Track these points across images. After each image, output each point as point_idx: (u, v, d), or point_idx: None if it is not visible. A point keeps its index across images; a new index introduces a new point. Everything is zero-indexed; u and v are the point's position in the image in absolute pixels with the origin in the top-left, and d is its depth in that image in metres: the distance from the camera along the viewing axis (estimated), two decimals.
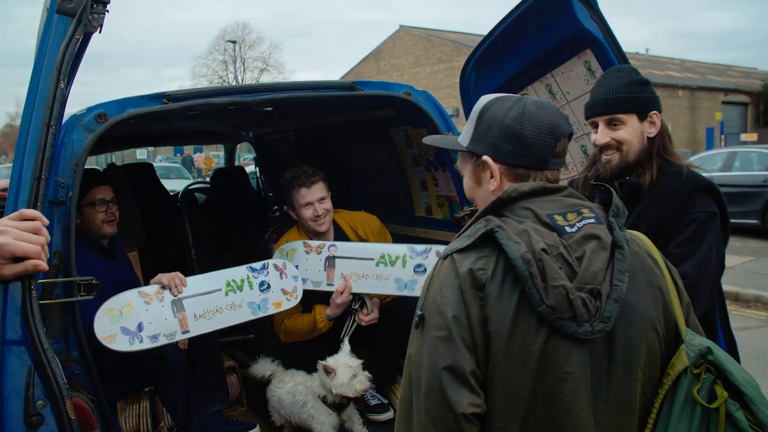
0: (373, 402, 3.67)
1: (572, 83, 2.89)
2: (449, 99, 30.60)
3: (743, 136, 27.43)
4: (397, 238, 4.03)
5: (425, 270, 3.30)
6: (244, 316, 3.18)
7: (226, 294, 3.13)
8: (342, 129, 4.75)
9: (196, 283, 3.07)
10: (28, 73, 1.89)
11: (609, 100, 2.34)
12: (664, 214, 2.27)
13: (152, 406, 3.60)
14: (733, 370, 1.39)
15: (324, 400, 3.25)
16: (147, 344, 2.81)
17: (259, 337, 3.64)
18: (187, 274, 5.00)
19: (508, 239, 1.34)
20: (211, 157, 27.10)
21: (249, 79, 47.09)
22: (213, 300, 3.09)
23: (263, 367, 3.51)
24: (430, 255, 3.36)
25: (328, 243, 3.55)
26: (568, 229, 1.39)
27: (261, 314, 3.23)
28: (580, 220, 1.41)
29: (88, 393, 2.46)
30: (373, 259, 3.37)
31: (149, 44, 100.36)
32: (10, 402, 1.89)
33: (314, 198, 3.58)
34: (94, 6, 1.82)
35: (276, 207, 6.05)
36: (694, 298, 1.63)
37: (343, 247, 3.52)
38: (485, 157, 1.52)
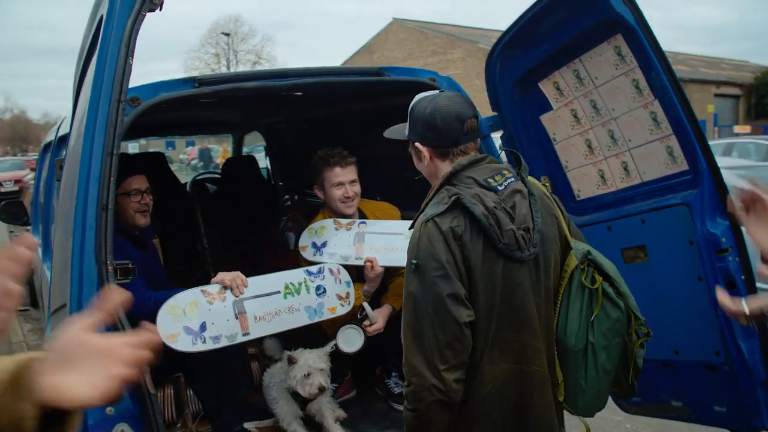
0: (397, 390, 3.62)
1: (601, 68, 2.91)
2: None
3: (736, 128, 27.63)
4: None
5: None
6: (301, 320, 3.17)
7: (285, 297, 3.13)
8: (356, 116, 4.76)
9: (256, 284, 3.07)
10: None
11: None
12: None
13: (176, 393, 3.61)
14: (604, 263, 2.14)
15: (291, 392, 3.22)
16: (209, 345, 2.79)
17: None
18: (199, 264, 5.01)
19: (470, 203, 1.95)
20: (228, 150, 26.93)
21: None
22: (272, 302, 3.08)
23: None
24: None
25: (357, 220, 3.64)
26: (499, 188, 2.05)
27: (317, 319, 3.23)
28: (505, 180, 2.08)
29: None
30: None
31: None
32: None
33: (347, 179, 3.60)
34: None
35: (287, 196, 6.06)
36: None
37: (372, 225, 3.60)
38: (417, 144, 2.19)
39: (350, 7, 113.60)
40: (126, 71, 1.82)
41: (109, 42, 1.85)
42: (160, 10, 1.87)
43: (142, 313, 2.78)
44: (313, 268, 3.32)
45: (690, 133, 2.68)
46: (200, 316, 2.81)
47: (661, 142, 2.83)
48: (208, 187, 6.20)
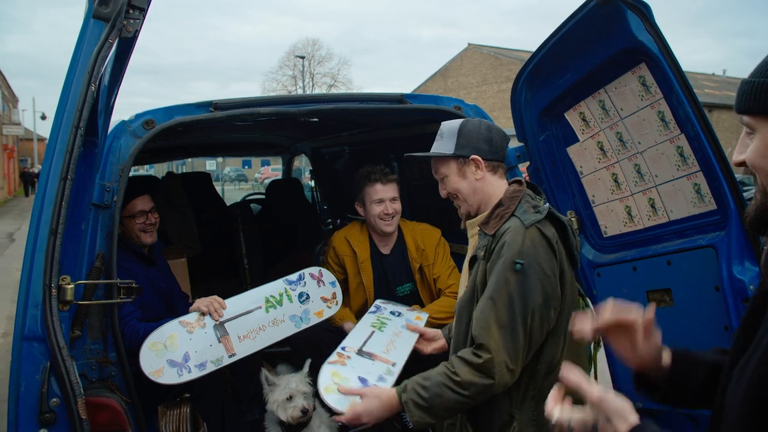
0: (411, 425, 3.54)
1: (626, 99, 2.76)
2: None
3: None
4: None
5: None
6: (288, 330, 3.15)
7: (267, 311, 3.11)
8: (394, 143, 4.72)
9: (236, 303, 3.06)
10: None
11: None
12: None
13: (192, 411, 3.62)
14: None
15: (282, 425, 3.05)
16: (195, 373, 2.78)
17: (293, 351, 3.59)
18: (239, 283, 5.05)
19: (559, 214, 2.28)
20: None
21: None
22: (255, 319, 3.07)
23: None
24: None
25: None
26: (542, 210, 2.26)
27: (304, 326, 3.22)
28: (545, 203, 2.35)
29: (123, 395, 2.48)
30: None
31: (217, 59, 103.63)
32: (25, 398, 1.93)
33: (388, 196, 3.58)
34: (131, 12, 1.85)
35: (329, 220, 6.07)
36: None
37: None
38: (474, 156, 2.37)
39: (428, 33, 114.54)
40: (87, 98, 1.83)
41: (76, 68, 1.87)
42: (135, 38, 1.87)
43: (132, 344, 2.80)
44: (293, 277, 3.29)
45: (717, 171, 2.48)
46: (182, 347, 2.79)
47: (688, 179, 2.64)
48: (253, 208, 6.28)
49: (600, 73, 2.81)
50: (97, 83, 1.82)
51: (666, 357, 1.63)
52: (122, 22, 1.83)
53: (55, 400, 1.94)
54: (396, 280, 3.74)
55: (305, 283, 3.31)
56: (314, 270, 3.40)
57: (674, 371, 1.60)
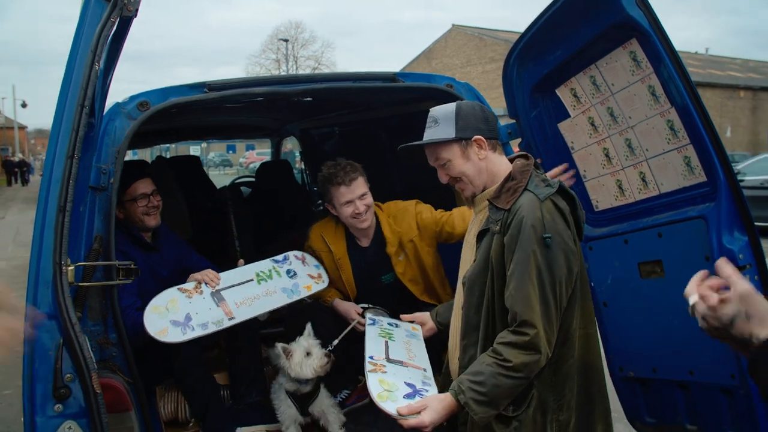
0: None
1: (617, 74, 2.79)
2: (501, 99, 30.09)
3: None
4: None
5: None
6: (281, 300, 3.29)
7: (259, 283, 3.26)
8: (385, 123, 4.73)
9: (229, 276, 3.21)
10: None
11: None
12: None
13: None
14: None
15: (292, 395, 3.19)
16: (199, 332, 2.89)
17: (287, 330, 3.65)
18: (231, 266, 5.09)
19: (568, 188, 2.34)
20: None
21: None
22: (249, 289, 3.21)
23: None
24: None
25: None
26: (553, 184, 2.29)
27: (296, 297, 3.36)
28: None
29: (125, 375, 2.51)
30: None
31: (201, 43, 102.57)
32: (40, 374, 1.96)
33: (354, 196, 3.42)
34: None
35: (320, 201, 6.07)
36: None
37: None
38: (477, 137, 2.37)
39: (411, 15, 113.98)
40: (92, 77, 1.84)
41: (78, 48, 1.87)
42: (135, 16, 1.87)
43: (135, 336, 2.82)
44: (279, 257, 3.45)
45: (707, 143, 2.52)
46: (183, 309, 2.92)
47: (678, 152, 2.69)
48: (243, 190, 6.27)
49: (591, 49, 2.83)
50: (100, 62, 1.82)
51: None
52: (123, 1, 1.83)
53: (68, 375, 1.98)
54: (380, 270, 3.68)
55: (291, 262, 3.48)
56: (298, 253, 3.54)
57: None
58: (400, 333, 3.07)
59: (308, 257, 3.53)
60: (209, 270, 3.16)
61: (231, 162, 46.18)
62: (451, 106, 2.44)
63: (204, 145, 32.71)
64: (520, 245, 2.18)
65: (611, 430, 2.45)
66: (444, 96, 3.34)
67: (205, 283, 3.10)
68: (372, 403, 3.67)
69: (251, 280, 3.25)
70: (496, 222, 2.28)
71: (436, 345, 3.06)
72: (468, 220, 3.44)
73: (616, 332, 3.09)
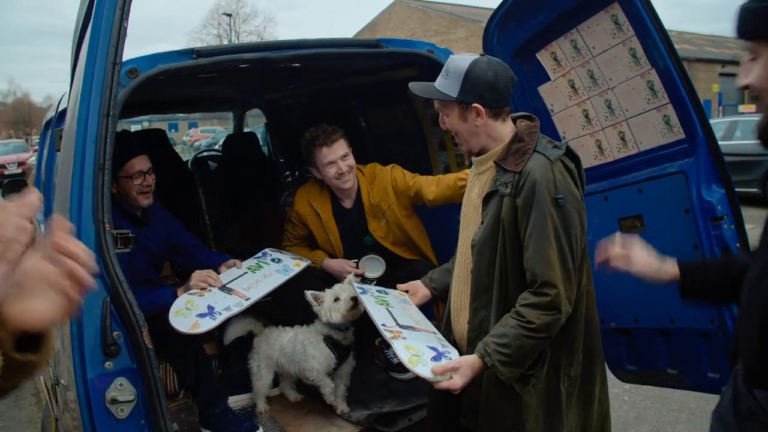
0: (396, 360, 3.56)
1: (598, 38, 2.90)
2: None
3: (741, 108, 27.37)
4: None
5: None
6: (280, 278, 3.40)
7: (254, 272, 3.41)
8: (356, 91, 4.75)
9: (225, 275, 3.33)
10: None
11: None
12: None
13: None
14: None
15: (328, 340, 3.24)
16: (226, 314, 2.97)
17: (285, 308, 3.72)
18: (201, 239, 5.11)
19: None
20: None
21: None
22: (248, 278, 3.36)
23: (244, 326, 3.50)
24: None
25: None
26: (561, 146, 2.31)
27: (291, 274, 3.46)
28: None
29: None
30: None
31: (132, 20, 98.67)
32: (88, 333, 1.96)
33: (336, 156, 3.56)
34: None
35: (288, 172, 6.07)
36: None
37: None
38: (476, 104, 2.31)
39: None
40: (121, 34, 1.84)
41: (104, 6, 1.86)
42: None
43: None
44: (258, 255, 3.66)
45: (686, 101, 2.68)
46: (202, 304, 2.97)
47: (658, 111, 2.83)
48: (210, 164, 6.20)
49: (573, 13, 2.93)
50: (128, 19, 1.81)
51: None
52: None
53: (116, 333, 1.98)
54: (362, 231, 3.81)
55: (270, 254, 3.67)
56: (273, 249, 3.75)
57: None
58: (393, 299, 3.10)
59: (284, 253, 3.73)
60: (209, 272, 3.21)
61: (174, 141, 45.00)
62: (465, 62, 2.32)
63: (146, 124, 31.69)
64: (536, 207, 2.19)
65: (606, 378, 2.58)
66: (425, 61, 3.40)
67: (209, 286, 3.17)
68: (359, 366, 3.78)
69: (246, 272, 3.39)
70: (506, 184, 2.27)
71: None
72: (441, 186, 3.56)
73: (598, 286, 3.24)
